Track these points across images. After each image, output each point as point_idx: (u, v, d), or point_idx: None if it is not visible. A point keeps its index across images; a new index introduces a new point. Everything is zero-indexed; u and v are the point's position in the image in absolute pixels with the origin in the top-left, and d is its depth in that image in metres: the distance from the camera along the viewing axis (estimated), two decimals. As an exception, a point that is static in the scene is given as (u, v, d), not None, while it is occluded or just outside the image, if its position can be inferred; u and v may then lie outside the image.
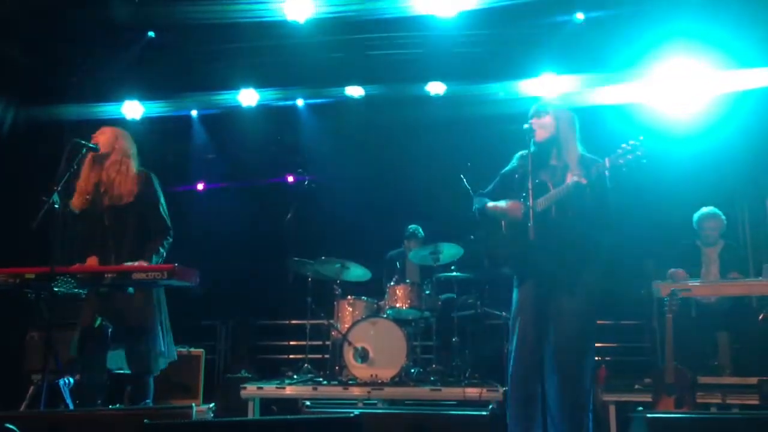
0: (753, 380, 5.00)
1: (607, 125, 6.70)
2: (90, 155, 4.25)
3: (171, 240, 4.29)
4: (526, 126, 3.75)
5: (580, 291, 3.68)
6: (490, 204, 3.92)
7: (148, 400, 4.11)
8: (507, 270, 3.93)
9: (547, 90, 7.07)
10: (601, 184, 3.63)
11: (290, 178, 8.38)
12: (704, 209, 5.94)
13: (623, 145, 3.55)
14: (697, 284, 5.25)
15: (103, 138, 4.30)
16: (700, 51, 6.51)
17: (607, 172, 3.59)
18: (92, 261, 4.12)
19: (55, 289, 3.81)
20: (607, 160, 3.58)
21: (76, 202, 4.23)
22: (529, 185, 3.51)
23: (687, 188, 6.75)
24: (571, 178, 3.62)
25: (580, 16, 6.43)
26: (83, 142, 4.18)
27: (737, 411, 4.92)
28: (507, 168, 4.04)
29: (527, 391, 3.58)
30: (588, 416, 3.63)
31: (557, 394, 3.55)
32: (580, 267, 3.72)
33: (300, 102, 7.89)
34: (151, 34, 6.66)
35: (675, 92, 6.82)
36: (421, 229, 7.08)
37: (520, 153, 3.96)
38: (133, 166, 4.32)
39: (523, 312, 3.76)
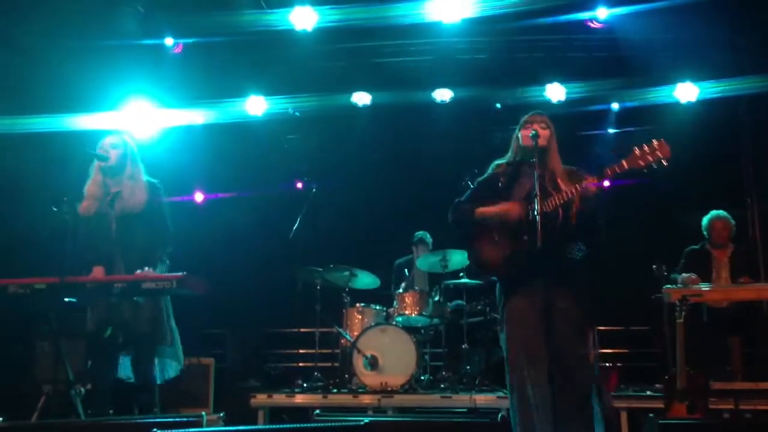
0: (766, 385, 4.97)
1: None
2: (101, 165, 4.27)
3: (172, 249, 4.31)
4: (531, 133, 3.72)
5: (576, 294, 3.67)
6: (481, 210, 3.79)
7: (156, 409, 4.11)
8: (497, 277, 3.85)
9: (551, 97, 7.10)
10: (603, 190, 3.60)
11: (299, 184, 8.39)
12: (713, 212, 5.91)
13: (644, 147, 3.44)
14: (708, 289, 5.21)
15: (115, 152, 4.30)
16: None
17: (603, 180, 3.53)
18: (98, 271, 4.11)
19: (65, 299, 3.82)
20: (624, 162, 3.48)
21: (84, 207, 4.24)
22: (537, 191, 3.49)
23: (696, 191, 6.72)
24: (584, 182, 3.56)
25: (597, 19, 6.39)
26: (93, 152, 4.20)
27: (750, 417, 4.88)
28: (484, 177, 3.95)
29: (538, 400, 3.54)
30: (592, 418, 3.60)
31: (560, 399, 3.52)
32: (577, 270, 3.71)
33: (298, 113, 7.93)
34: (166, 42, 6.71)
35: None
36: (428, 236, 7.06)
37: (497, 162, 3.93)
38: (143, 176, 4.34)
39: (523, 321, 3.69)
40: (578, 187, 3.56)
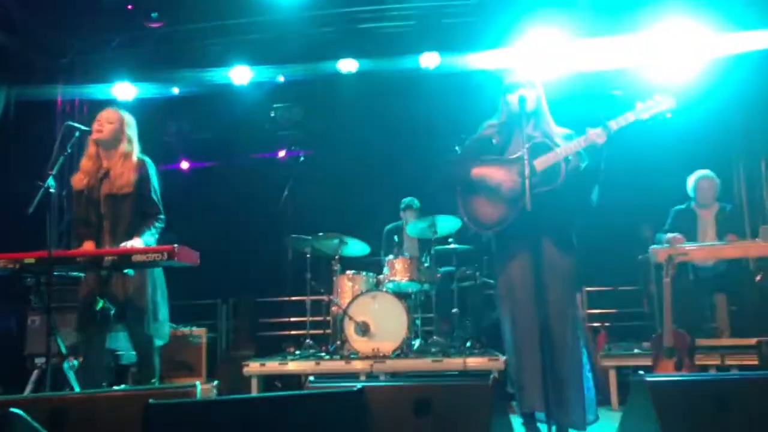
0: (751, 341, 5.05)
1: (596, 92, 6.71)
2: (95, 138, 4.22)
3: (162, 224, 4.27)
4: (519, 98, 3.71)
5: (569, 250, 3.69)
6: (479, 170, 3.76)
7: (154, 380, 4.14)
8: (492, 233, 3.81)
9: (539, 56, 7.02)
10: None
11: (281, 153, 8.36)
12: (699, 172, 5.93)
13: (647, 101, 3.50)
14: (694, 248, 5.25)
15: (110, 126, 4.24)
16: (696, 12, 6.46)
17: (601, 134, 3.54)
18: (88, 245, 4.11)
19: (55, 273, 3.81)
20: (630, 113, 3.52)
21: (76, 180, 4.21)
22: (525, 156, 3.48)
23: (682, 152, 6.74)
24: (589, 136, 3.55)
25: None
26: (76, 125, 4.14)
27: (736, 372, 4.97)
28: (476, 135, 3.95)
29: (533, 357, 3.57)
30: (585, 375, 3.66)
31: (556, 355, 3.55)
32: (571, 227, 3.73)
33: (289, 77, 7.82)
34: (154, 15, 6.60)
35: (669, 55, 6.78)
36: (416, 201, 7.07)
37: (488, 121, 3.93)
38: (136, 155, 4.29)
39: (516, 278, 3.71)
40: (586, 139, 3.55)
